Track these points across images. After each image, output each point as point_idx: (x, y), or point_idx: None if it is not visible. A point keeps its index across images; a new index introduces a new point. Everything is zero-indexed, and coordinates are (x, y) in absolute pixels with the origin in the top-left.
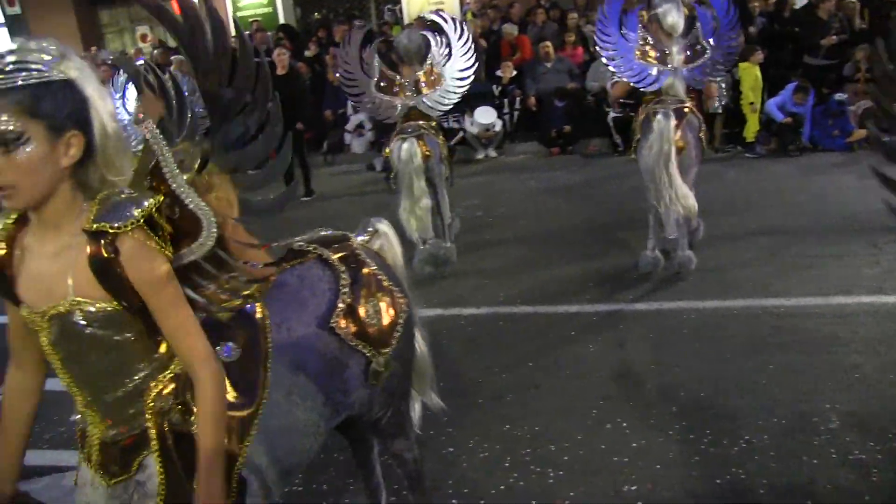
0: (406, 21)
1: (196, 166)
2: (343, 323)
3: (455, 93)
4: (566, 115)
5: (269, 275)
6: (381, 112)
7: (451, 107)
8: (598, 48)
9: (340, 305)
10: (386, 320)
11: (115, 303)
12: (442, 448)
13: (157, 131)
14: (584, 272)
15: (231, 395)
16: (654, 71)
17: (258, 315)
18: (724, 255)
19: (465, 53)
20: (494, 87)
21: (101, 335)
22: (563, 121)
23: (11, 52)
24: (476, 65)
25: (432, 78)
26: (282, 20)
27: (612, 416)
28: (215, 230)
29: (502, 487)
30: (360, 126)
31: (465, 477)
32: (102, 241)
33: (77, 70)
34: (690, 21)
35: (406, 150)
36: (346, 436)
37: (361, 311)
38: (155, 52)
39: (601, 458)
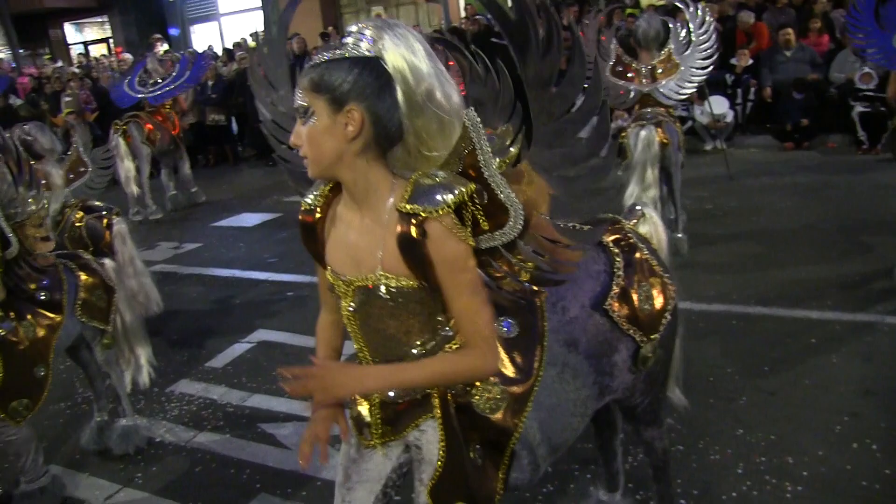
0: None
1: (510, 158)
2: (616, 306)
3: (692, 83)
4: (804, 108)
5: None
6: (612, 97)
7: (686, 97)
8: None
9: (615, 288)
10: (657, 306)
11: (416, 281)
12: (671, 445)
13: (478, 119)
14: (825, 276)
15: (509, 371)
16: None
17: (536, 293)
18: None
19: (706, 42)
20: (728, 75)
21: (399, 307)
22: (800, 114)
23: (349, 32)
24: (716, 54)
25: (669, 66)
26: (509, 1)
27: (859, 436)
28: (521, 222)
29: (734, 494)
30: None
31: (696, 478)
32: (413, 223)
33: (390, 49)
34: None
35: (644, 138)
36: (593, 419)
37: (634, 296)
38: None
39: (847, 479)
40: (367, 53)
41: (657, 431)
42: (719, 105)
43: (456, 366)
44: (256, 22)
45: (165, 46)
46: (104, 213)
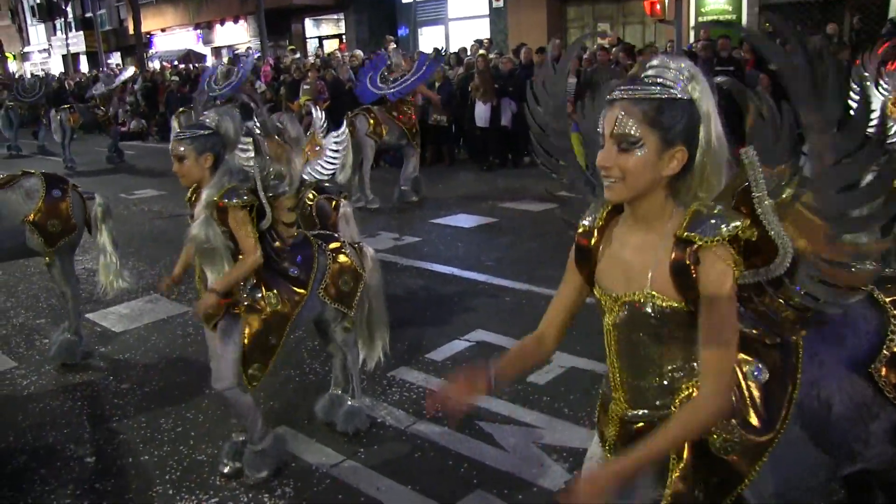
0: None
1: (783, 201)
2: (884, 371)
3: None
4: None
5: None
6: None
7: None
8: None
9: (885, 352)
10: None
11: (682, 303)
12: None
13: (756, 157)
14: None
15: (753, 419)
16: None
17: (793, 342)
18: None
19: None
20: None
21: (660, 327)
22: None
23: (652, 66)
24: None
25: None
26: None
27: None
28: (790, 259)
29: None
30: None
31: None
32: (687, 249)
33: (700, 91)
34: None
35: None
36: (846, 481)
37: None
38: (613, 49)
39: None
40: (692, 95)
41: None
42: None
43: (693, 418)
44: (481, 28)
45: (393, 46)
46: (334, 195)
